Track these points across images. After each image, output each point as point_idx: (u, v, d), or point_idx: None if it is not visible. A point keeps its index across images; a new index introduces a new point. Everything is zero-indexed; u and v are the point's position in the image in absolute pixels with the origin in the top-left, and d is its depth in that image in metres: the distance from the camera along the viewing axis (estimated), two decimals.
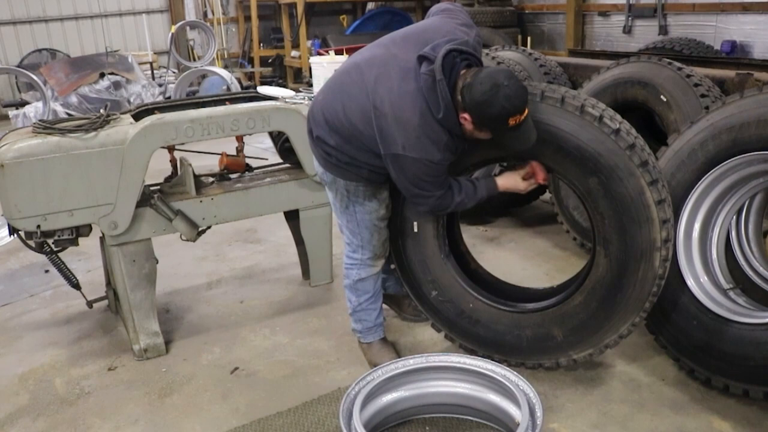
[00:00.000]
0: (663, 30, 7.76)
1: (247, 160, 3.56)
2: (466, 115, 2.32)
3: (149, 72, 9.72)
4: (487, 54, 4.69)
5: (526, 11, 9.78)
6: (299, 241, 3.77)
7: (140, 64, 9.54)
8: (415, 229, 2.83)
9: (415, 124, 2.33)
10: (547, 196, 4.52)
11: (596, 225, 2.53)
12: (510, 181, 2.64)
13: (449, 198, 2.52)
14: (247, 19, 12.14)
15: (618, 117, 2.51)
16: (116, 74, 8.65)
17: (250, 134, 3.42)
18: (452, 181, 2.54)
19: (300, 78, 11.40)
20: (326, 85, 2.68)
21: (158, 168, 3.33)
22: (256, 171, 3.57)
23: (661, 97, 3.63)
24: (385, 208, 2.78)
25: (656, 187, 2.40)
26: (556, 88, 2.53)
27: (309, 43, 11.02)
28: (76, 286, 3.31)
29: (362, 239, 2.82)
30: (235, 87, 8.14)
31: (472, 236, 4.45)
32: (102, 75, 8.53)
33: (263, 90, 3.62)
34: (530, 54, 4.86)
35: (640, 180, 2.39)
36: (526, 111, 2.31)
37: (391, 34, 2.67)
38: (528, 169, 2.61)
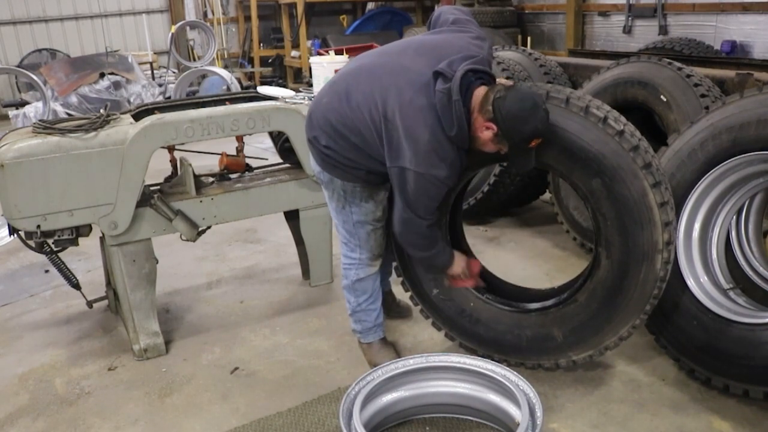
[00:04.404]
0: (663, 30, 7.75)
1: (247, 160, 3.56)
2: (491, 125, 2.33)
3: (149, 72, 9.72)
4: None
5: (526, 11, 9.76)
6: (299, 241, 3.77)
7: (140, 64, 9.53)
8: None
9: (426, 139, 2.34)
10: (547, 196, 4.52)
11: (598, 226, 2.53)
12: (457, 266, 2.70)
13: (435, 233, 2.56)
14: (247, 19, 12.14)
15: (622, 119, 2.51)
16: (116, 74, 8.64)
17: (250, 134, 3.42)
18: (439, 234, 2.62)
19: (300, 78, 11.40)
20: (330, 88, 2.64)
21: (158, 168, 3.33)
22: (256, 171, 3.57)
23: (661, 97, 3.63)
24: (382, 210, 2.78)
25: (659, 190, 2.40)
26: (560, 88, 2.53)
27: (309, 43, 11.01)
28: (76, 286, 3.31)
29: (359, 239, 2.82)
30: (235, 87, 8.14)
31: (472, 236, 4.43)
32: (102, 75, 8.52)
33: (263, 90, 3.62)
34: (530, 54, 4.85)
35: (644, 182, 2.38)
36: None
37: (400, 44, 2.64)
38: (472, 264, 2.75)
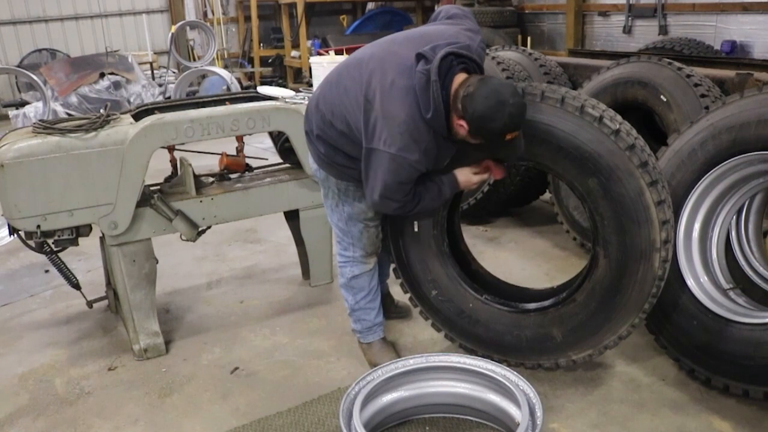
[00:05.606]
0: (663, 30, 7.76)
1: (247, 160, 3.56)
2: (462, 123, 2.32)
3: (149, 72, 9.73)
4: (487, 54, 4.69)
5: (526, 11, 9.77)
6: (299, 241, 3.77)
7: (140, 64, 9.55)
8: (416, 229, 2.83)
9: (401, 119, 2.33)
10: (547, 196, 4.52)
11: (596, 226, 2.53)
12: (464, 176, 2.60)
13: (411, 204, 2.51)
14: (247, 19, 12.15)
15: (618, 117, 2.51)
16: (116, 74, 8.65)
17: (250, 134, 3.43)
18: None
19: (300, 78, 11.41)
20: (325, 80, 2.69)
21: (158, 168, 3.33)
22: (256, 171, 3.58)
23: (661, 97, 3.63)
24: (374, 210, 2.78)
25: (656, 188, 2.40)
26: (556, 88, 2.53)
27: (309, 43, 11.02)
28: (76, 286, 3.31)
29: (352, 237, 2.84)
30: (235, 87, 8.14)
31: (472, 236, 4.45)
32: (102, 75, 8.53)
33: (263, 90, 3.62)
34: (530, 54, 4.85)
35: (640, 181, 2.38)
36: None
37: (393, 35, 2.69)
38: (482, 165, 2.62)
